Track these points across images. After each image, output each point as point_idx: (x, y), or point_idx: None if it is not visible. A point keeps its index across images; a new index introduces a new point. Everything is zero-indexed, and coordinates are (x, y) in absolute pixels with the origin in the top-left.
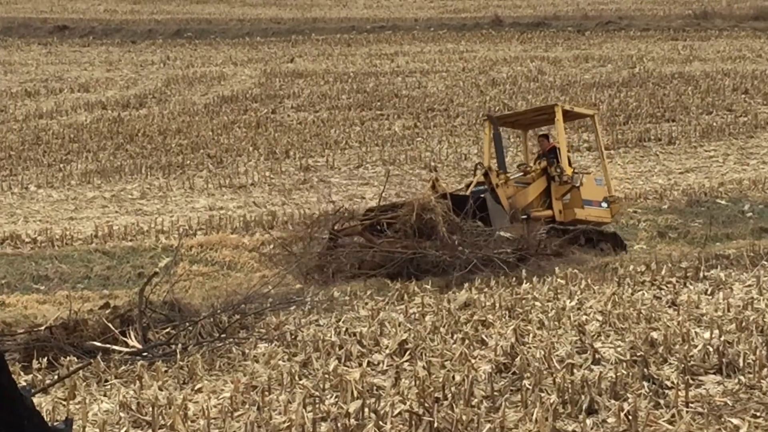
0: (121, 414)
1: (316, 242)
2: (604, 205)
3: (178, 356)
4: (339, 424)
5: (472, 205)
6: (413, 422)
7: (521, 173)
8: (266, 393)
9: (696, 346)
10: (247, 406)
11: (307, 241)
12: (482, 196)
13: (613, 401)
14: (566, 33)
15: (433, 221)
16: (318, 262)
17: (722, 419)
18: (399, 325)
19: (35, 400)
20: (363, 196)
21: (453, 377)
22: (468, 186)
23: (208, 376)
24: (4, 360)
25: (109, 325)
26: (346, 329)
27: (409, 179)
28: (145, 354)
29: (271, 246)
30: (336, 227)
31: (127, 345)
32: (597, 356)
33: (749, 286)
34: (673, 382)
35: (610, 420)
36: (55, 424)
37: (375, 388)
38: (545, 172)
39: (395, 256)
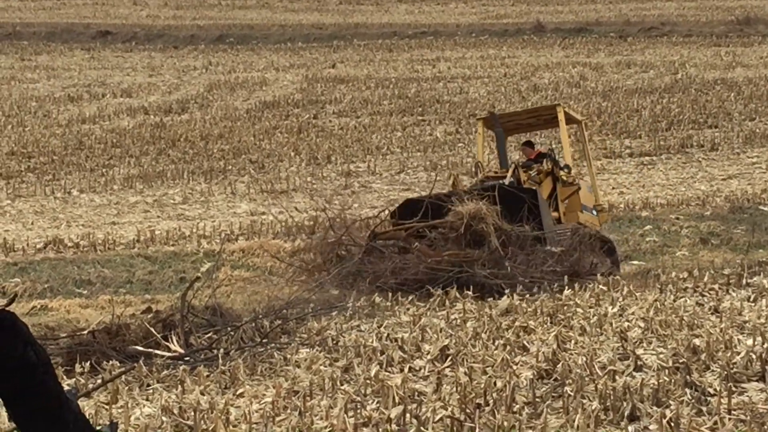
0: (164, 418)
1: (357, 248)
2: (595, 212)
3: (220, 361)
4: (380, 430)
5: (529, 200)
6: (455, 428)
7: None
8: (308, 398)
9: (738, 353)
10: (288, 411)
11: (341, 247)
12: (534, 188)
13: (655, 408)
14: (608, 39)
15: (484, 231)
16: (356, 268)
17: (765, 426)
18: (440, 331)
19: (78, 404)
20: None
21: (494, 383)
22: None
23: (249, 381)
24: (51, 365)
25: (151, 329)
26: (388, 335)
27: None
28: (187, 358)
29: (311, 253)
30: (376, 229)
31: (169, 349)
32: (639, 363)
33: None
34: (715, 389)
35: (652, 427)
36: (100, 427)
37: (416, 393)
38: (550, 174)
39: (438, 274)
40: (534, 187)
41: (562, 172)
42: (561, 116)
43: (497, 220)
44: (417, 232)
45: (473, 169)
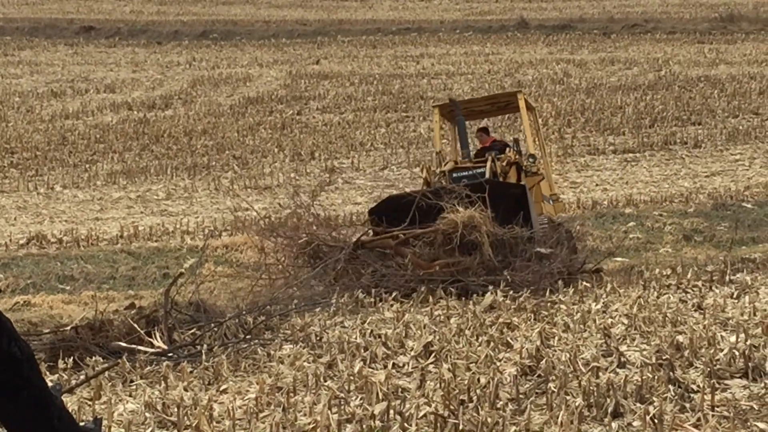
0: (147, 414)
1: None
2: (551, 202)
3: (204, 357)
4: (364, 426)
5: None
6: (438, 424)
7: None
8: (291, 394)
9: (722, 350)
10: (272, 407)
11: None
12: (522, 183)
13: (638, 405)
14: (592, 35)
15: (478, 239)
16: (341, 272)
17: (748, 423)
18: (424, 328)
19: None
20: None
21: (478, 380)
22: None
23: (233, 377)
24: (35, 360)
25: (135, 325)
26: (371, 331)
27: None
28: (170, 354)
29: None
30: (362, 238)
31: (152, 345)
32: (622, 359)
33: None
34: (698, 386)
35: (635, 423)
36: (84, 423)
37: (400, 390)
38: (515, 164)
39: (430, 285)
40: (522, 182)
41: (527, 163)
42: (522, 104)
43: (490, 226)
44: (405, 239)
45: (433, 160)
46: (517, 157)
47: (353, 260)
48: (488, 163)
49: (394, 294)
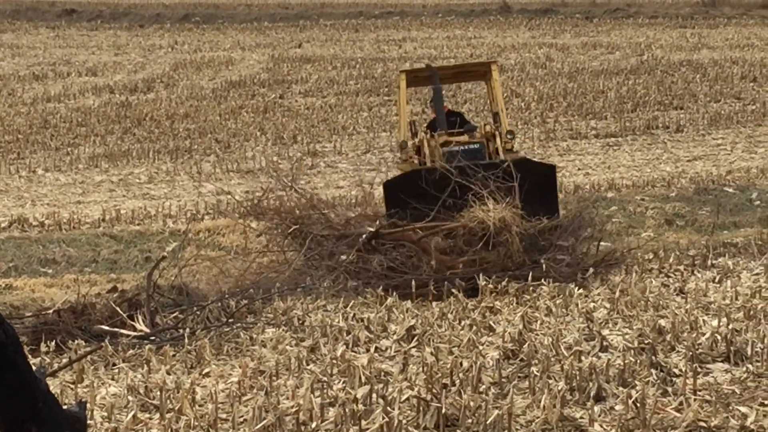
0: (129, 398)
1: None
2: None
3: (186, 340)
4: (347, 410)
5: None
6: (421, 408)
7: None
8: (274, 378)
9: (704, 334)
10: (254, 390)
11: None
12: (553, 164)
13: (621, 389)
14: (574, 20)
15: (508, 240)
16: (349, 268)
17: (730, 407)
18: (407, 311)
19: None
20: (370, 182)
21: (461, 363)
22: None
23: (215, 361)
24: (20, 343)
25: (117, 309)
26: (354, 315)
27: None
28: (152, 338)
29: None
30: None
31: (134, 329)
32: (605, 343)
33: (757, 274)
34: (681, 370)
35: (617, 407)
36: (68, 406)
37: (383, 373)
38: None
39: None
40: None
41: (505, 139)
42: (496, 75)
43: (521, 226)
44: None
45: (401, 130)
46: (493, 130)
47: (360, 251)
48: (487, 138)
49: (409, 292)
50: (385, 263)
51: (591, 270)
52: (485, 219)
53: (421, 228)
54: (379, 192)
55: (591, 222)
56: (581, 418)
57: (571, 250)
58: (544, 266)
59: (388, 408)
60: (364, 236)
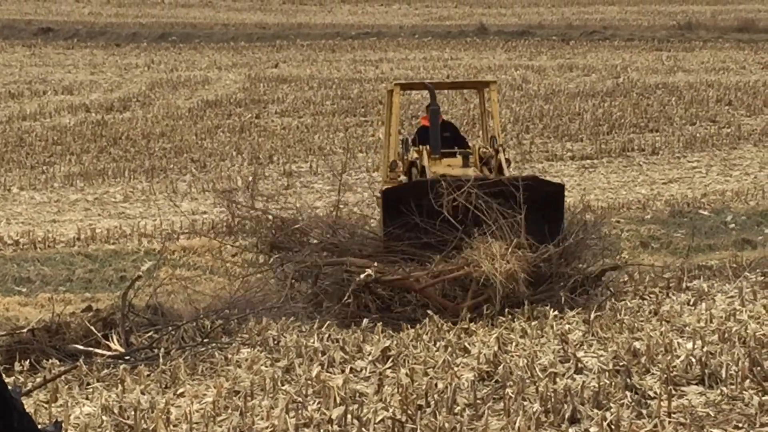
0: (104, 417)
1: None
2: None
3: (161, 360)
4: (322, 430)
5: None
6: (396, 429)
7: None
8: (249, 398)
9: (678, 357)
10: (229, 411)
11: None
12: (562, 183)
13: (595, 411)
14: (551, 42)
15: (517, 292)
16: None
17: (704, 430)
18: (382, 332)
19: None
20: (346, 202)
21: (436, 385)
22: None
23: (190, 381)
24: None
25: (92, 328)
26: (329, 335)
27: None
28: (127, 358)
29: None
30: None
31: (109, 348)
32: (580, 365)
33: (731, 297)
34: (655, 393)
35: (592, 429)
36: (44, 426)
37: (358, 394)
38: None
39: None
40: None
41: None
42: (495, 96)
43: (529, 274)
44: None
45: (390, 147)
46: (494, 150)
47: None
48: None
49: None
50: (379, 303)
51: (562, 295)
52: (492, 274)
53: (424, 276)
54: (357, 211)
55: (597, 244)
56: None
57: (581, 277)
58: (563, 298)
59: (363, 429)
60: (361, 277)
